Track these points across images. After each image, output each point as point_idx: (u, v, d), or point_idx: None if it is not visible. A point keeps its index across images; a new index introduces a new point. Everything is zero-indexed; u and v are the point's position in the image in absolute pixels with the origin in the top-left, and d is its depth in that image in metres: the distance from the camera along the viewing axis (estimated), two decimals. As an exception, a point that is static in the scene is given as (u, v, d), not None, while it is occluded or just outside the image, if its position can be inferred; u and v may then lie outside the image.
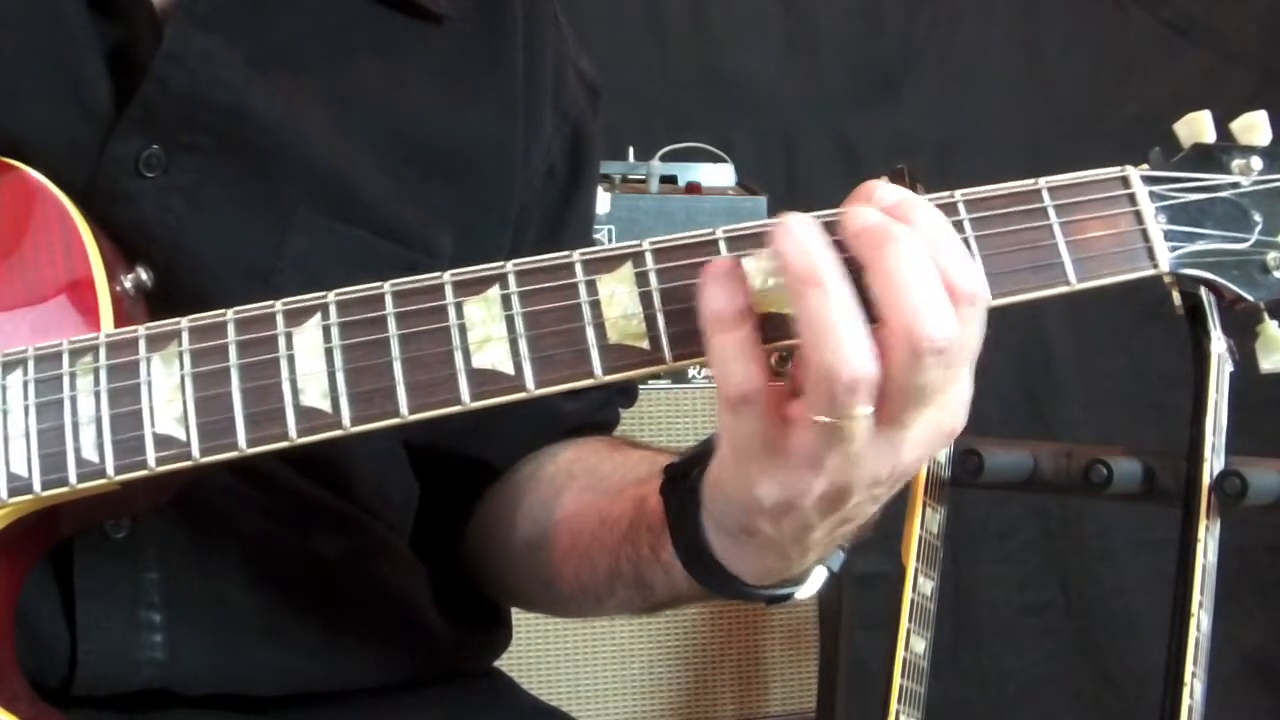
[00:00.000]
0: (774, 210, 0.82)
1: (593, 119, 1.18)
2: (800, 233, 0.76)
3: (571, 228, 1.15)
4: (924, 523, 1.69)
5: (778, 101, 2.64)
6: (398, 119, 1.04)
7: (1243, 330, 0.87)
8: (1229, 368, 1.57)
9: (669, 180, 2.06)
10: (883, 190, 0.79)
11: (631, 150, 2.07)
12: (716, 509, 0.85)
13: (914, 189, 0.81)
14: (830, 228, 0.77)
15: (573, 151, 1.15)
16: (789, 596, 0.93)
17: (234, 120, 0.96)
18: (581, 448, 1.13)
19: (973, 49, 2.73)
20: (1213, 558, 1.56)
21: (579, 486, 1.07)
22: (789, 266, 0.76)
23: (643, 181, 2.03)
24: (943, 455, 1.73)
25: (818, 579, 0.92)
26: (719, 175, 2.08)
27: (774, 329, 0.78)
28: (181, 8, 0.95)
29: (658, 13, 2.59)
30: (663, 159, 2.05)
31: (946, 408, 0.79)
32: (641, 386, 1.89)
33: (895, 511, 1.78)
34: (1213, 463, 1.56)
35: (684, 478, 0.89)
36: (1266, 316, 0.84)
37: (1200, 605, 1.54)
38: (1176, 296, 0.90)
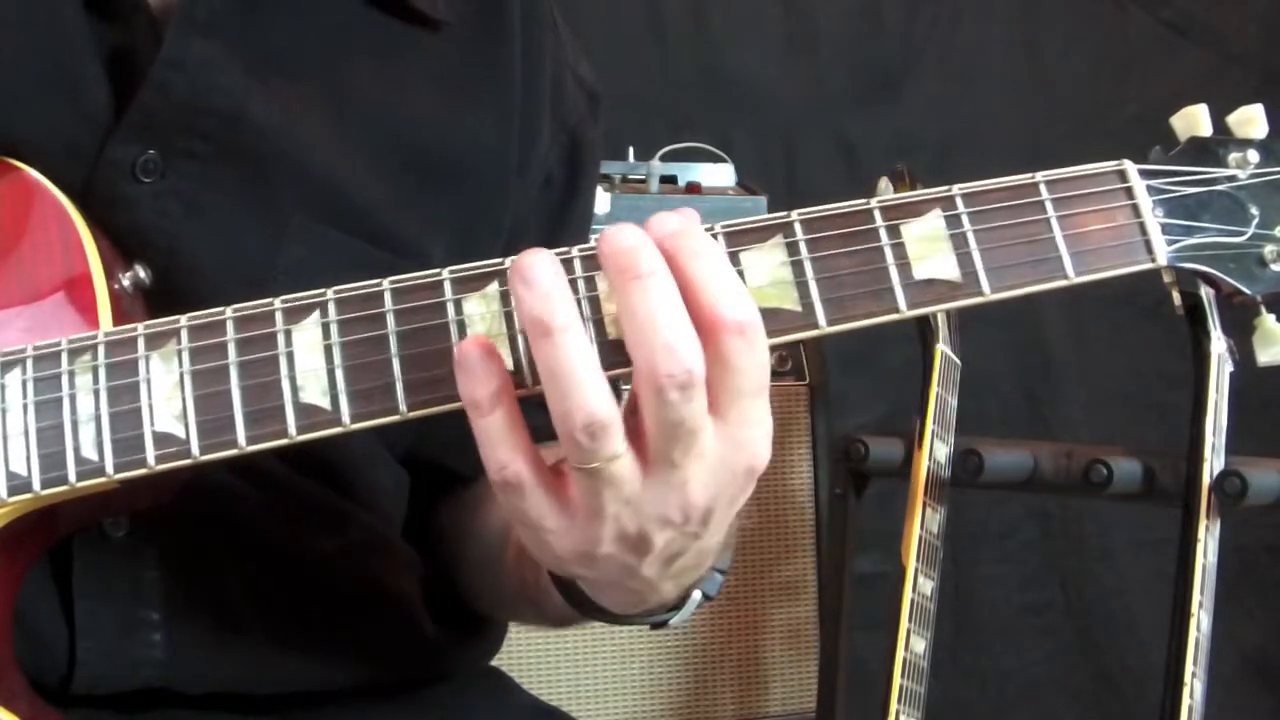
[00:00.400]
0: (774, 210, 0.82)
1: (591, 126, 1.18)
2: (535, 277, 0.76)
3: (568, 237, 1.15)
4: (924, 523, 1.69)
5: (778, 101, 2.64)
6: (395, 126, 1.04)
7: (1241, 328, 0.87)
8: (1229, 368, 1.57)
9: (669, 180, 2.06)
10: (658, 218, 0.78)
11: (631, 150, 2.07)
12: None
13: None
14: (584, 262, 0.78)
15: (570, 160, 1.15)
16: (665, 624, 0.94)
17: (232, 127, 0.96)
18: None
19: (973, 49, 2.73)
20: (1213, 558, 1.56)
21: None
22: (524, 313, 0.76)
23: (643, 181, 2.03)
24: (943, 455, 1.73)
25: (692, 605, 0.93)
26: (719, 175, 2.08)
27: None
28: (181, 12, 0.95)
29: (658, 13, 2.59)
30: (663, 159, 2.05)
31: (732, 443, 0.78)
32: (641, 386, 1.89)
33: (895, 511, 1.78)
34: (1213, 463, 1.56)
35: None
36: (1264, 310, 0.84)
37: (1200, 605, 1.54)
38: (1176, 296, 0.90)
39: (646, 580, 0.85)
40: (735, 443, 0.78)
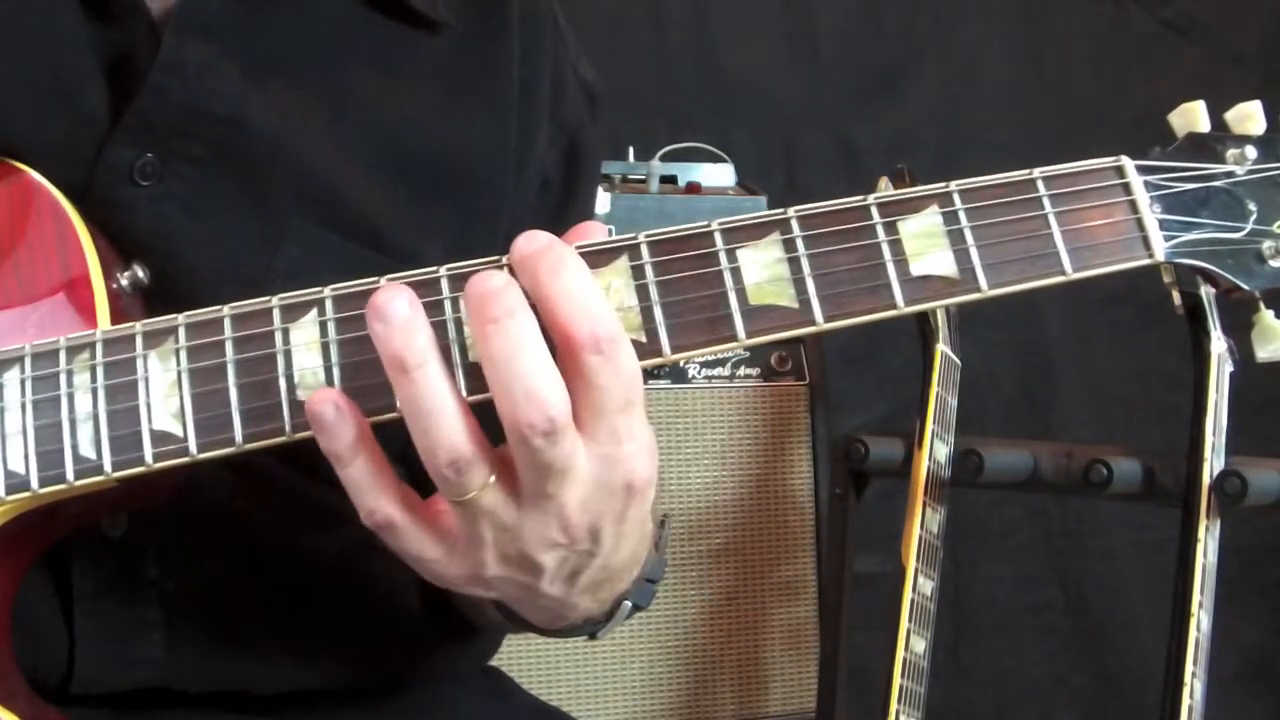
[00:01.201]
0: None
1: (591, 128, 1.17)
2: (390, 313, 0.76)
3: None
4: (924, 523, 1.69)
5: (778, 101, 2.64)
6: (393, 129, 1.03)
7: (1240, 324, 0.87)
8: (1229, 368, 1.57)
9: (669, 180, 2.06)
10: (525, 236, 0.79)
11: (631, 150, 2.07)
12: None
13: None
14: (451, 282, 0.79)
15: (568, 163, 1.15)
16: (594, 635, 0.95)
17: (230, 131, 0.96)
18: None
19: (973, 49, 2.73)
20: (1213, 558, 1.56)
21: None
22: (381, 351, 0.77)
23: (643, 181, 2.03)
24: (943, 455, 1.73)
25: (621, 615, 0.93)
26: (719, 175, 2.08)
27: None
28: (179, 16, 0.94)
29: (658, 13, 2.59)
30: (663, 159, 2.05)
31: (604, 461, 0.78)
32: (641, 386, 1.89)
33: (895, 511, 1.78)
34: (1213, 463, 1.56)
35: None
36: (1262, 305, 0.84)
37: (1200, 605, 1.54)
38: (1176, 296, 0.90)
39: (555, 598, 0.86)
40: (608, 461, 0.78)
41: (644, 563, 0.92)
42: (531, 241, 0.78)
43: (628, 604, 0.93)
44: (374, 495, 0.80)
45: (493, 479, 0.78)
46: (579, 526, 0.80)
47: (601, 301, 0.77)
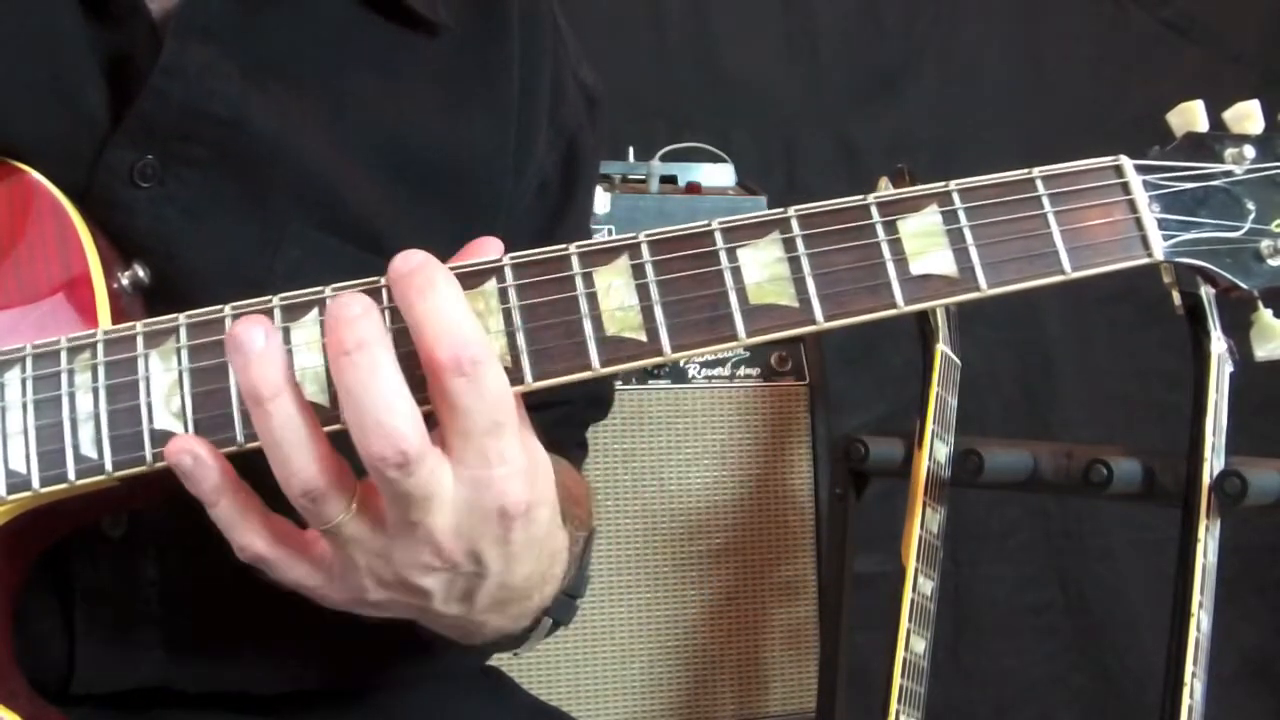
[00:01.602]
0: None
1: (590, 132, 1.17)
2: (245, 344, 0.77)
3: (562, 242, 1.15)
4: (924, 523, 1.69)
5: (778, 101, 2.64)
6: (392, 131, 1.03)
7: (1239, 323, 0.87)
8: (1229, 368, 1.57)
9: (669, 180, 2.05)
10: (400, 256, 0.79)
11: (631, 150, 2.07)
12: None
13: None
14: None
15: (566, 165, 1.15)
16: (517, 652, 0.95)
17: (231, 133, 0.96)
18: None
19: (973, 49, 2.73)
20: (1213, 558, 1.56)
21: None
22: (240, 385, 0.78)
23: (643, 181, 2.02)
24: (943, 455, 1.73)
25: (542, 631, 0.94)
26: (719, 175, 2.08)
27: None
28: (180, 18, 0.95)
29: (658, 13, 2.59)
30: (663, 159, 2.04)
31: (474, 485, 0.78)
32: (641, 386, 1.89)
33: (895, 511, 1.78)
34: (1213, 463, 1.56)
35: None
36: (1261, 305, 0.84)
37: (1200, 605, 1.54)
38: (1176, 296, 0.90)
39: (456, 617, 0.86)
40: (477, 485, 0.78)
41: (562, 578, 0.91)
42: (404, 262, 0.78)
43: (548, 620, 0.92)
44: (242, 532, 0.81)
45: (354, 507, 0.78)
46: (454, 551, 0.80)
47: (468, 323, 0.77)
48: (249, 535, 0.81)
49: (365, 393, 0.75)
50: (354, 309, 0.76)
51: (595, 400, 1.23)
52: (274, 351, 0.77)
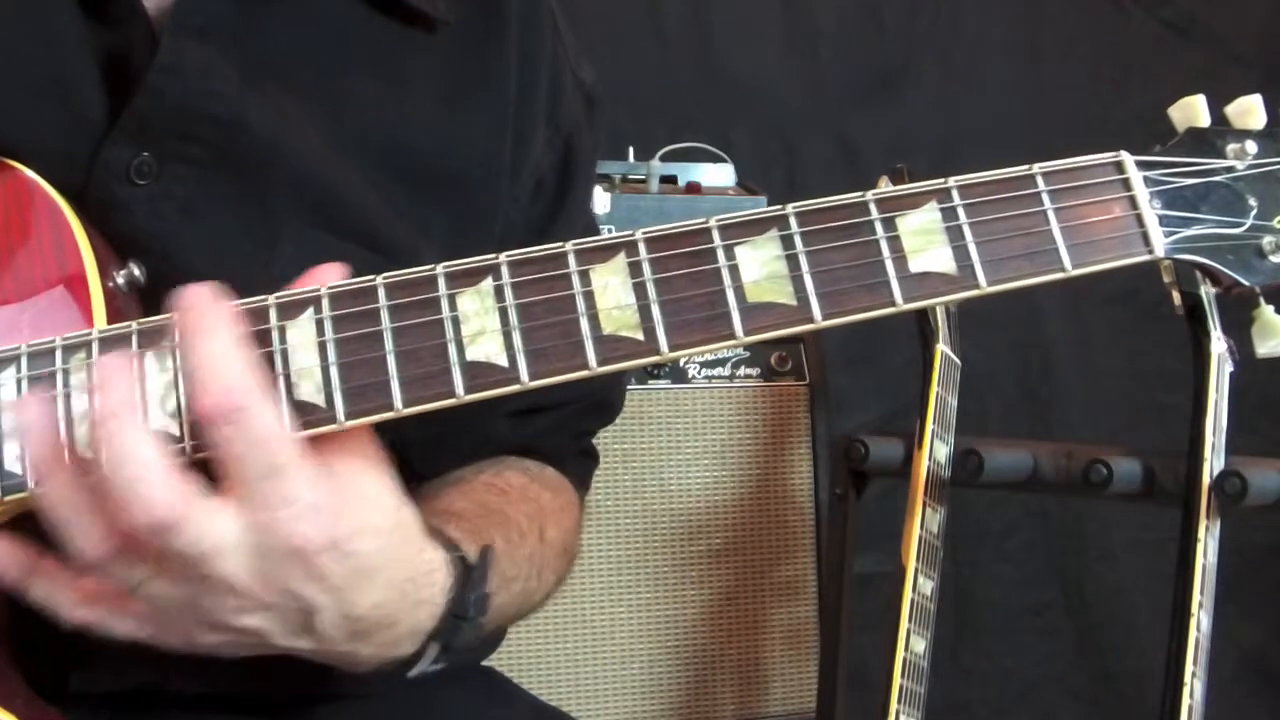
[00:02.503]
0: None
1: (587, 132, 1.17)
2: (27, 421, 0.79)
3: (556, 242, 1.15)
4: (924, 523, 1.69)
5: (778, 101, 2.64)
6: (390, 131, 1.03)
7: (1240, 320, 0.87)
8: (1229, 368, 1.57)
9: (669, 180, 2.06)
10: (186, 292, 0.80)
11: (631, 150, 2.07)
12: None
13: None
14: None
15: (563, 166, 1.15)
16: (407, 676, 0.93)
17: (228, 132, 0.95)
18: (473, 478, 1.12)
19: (973, 49, 2.73)
20: (1213, 558, 1.56)
21: None
22: (27, 458, 0.80)
23: (643, 181, 2.02)
24: (943, 455, 1.72)
25: (430, 657, 0.92)
26: (719, 175, 2.08)
27: None
28: (177, 16, 0.94)
29: (658, 13, 2.59)
30: (663, 159, 2.04)
31: (261, 530, 0.78)
32: (641, 386, 1.89)
33: (895, 511, 1.77)
34: (1213, 463, 1.55)
35: None
36: (1262, 301, 0.84)
37: (1200, 605, 1.54)
38: (1176, 296, 0.90)
39: (315, 650, 0.86)
40: (264, 529, 0.78)
41: (443, 602, 0.89)
42: (184, 299, 0.79)
43: (435, 644, 0.91)
44: (63, 607, 0.82)
45: (144, 573, 0.79)
46: (264, 592, 0.80)
47: (234, 368, 0.77)
48: (69, 608, 0.82)
49: (118, 467, 0.76)
50: (105, 374, 0.78)
51: (598, 406, 1.22)
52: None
